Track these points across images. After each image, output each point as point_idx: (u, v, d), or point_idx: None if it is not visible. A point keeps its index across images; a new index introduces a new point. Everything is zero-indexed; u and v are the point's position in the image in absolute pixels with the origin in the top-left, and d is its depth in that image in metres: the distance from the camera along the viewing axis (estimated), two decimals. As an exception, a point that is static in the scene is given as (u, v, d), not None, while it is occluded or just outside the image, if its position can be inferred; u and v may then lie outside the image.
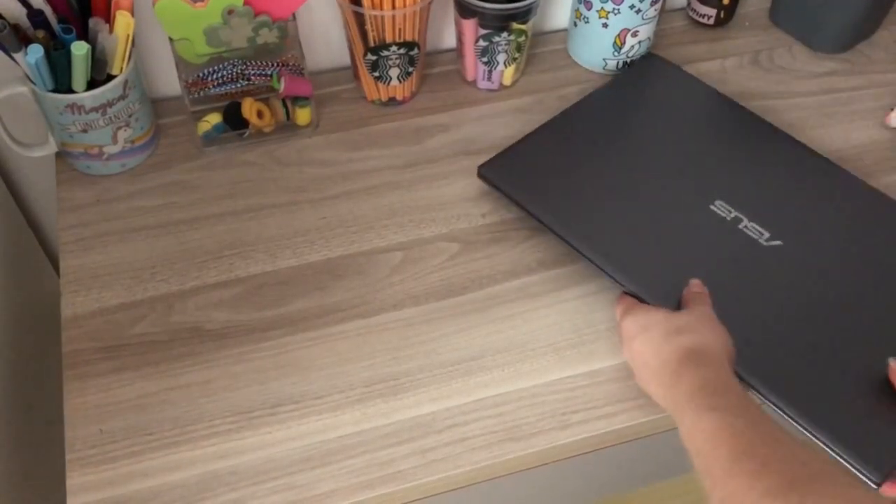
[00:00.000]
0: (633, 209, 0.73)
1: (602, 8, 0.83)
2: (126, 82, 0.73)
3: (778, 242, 0.70)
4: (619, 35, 0.85)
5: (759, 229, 0.71)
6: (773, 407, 0.61)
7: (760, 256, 0.69)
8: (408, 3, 0.75)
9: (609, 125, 0.80)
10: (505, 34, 0.81)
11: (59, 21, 0.70)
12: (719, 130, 0.80)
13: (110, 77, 0.72)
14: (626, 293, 0.67)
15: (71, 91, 0.71)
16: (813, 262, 0.70)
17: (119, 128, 0.75)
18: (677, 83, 0.85)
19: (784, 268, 0.69)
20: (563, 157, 0.76)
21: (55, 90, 0.71)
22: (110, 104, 0.73)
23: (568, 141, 0.78)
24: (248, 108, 0.78)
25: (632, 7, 0.82)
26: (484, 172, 0.75)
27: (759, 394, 0.62)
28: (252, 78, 0.79)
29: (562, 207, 0.72)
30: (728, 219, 0.71)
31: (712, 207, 0.72)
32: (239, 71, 0.78)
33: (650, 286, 0.67)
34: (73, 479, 0.60)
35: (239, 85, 0.79)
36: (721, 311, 0.62)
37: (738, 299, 0.66)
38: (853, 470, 0.58)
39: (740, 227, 0.71)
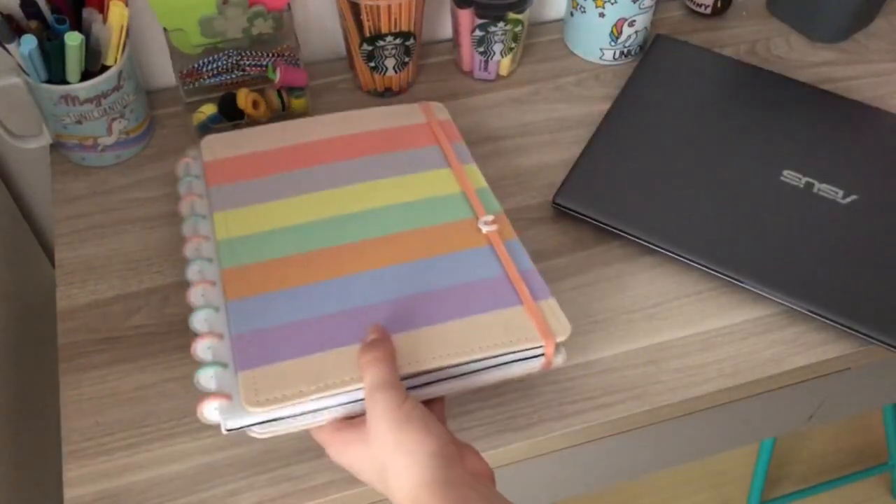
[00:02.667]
0: (709, 198, 0.73)
1: (599, -3, 0.83)
2: (120, 73, 0.73)
3: (854, 197, 0.72)
4: (615, 25, 0.84)
5: (833, 189, 0.73)
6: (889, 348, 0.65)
7: (842, 215, 0.71)
8: (403, -8, 0.75)
9: (655, 118, 0.80)
10: (501, 24, 0.81)
11: (53, 11, 0.69)
12: (759, 99, 0.81)
13: (105, 68, 0.72)
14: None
15: (65, 82, 0.70)
16: (891, 205, 0.72)
17: (114, 119, 0.75)
18: (700, 60, 0.85)
19: (868, 219, 0.71)
20: (626, 164, 0.76)
21: (49, 81, 0.70)
22: (105, 95, 0.72)
23: (623, 146, 0.77)
24: (244, 99, 0.77)
25: (629, -4, 0.82)
26: (562, 202, 0.73)
27: (874, 339, 0.65)
28: (247, 68, 0.78)
29: (647, 217, 0.72)
30: (801, 186, 0.73)
31: (783, 178, 0.74)
32: (234, 61, 0.78)
33: (749, 271, 0.68)
34: (70, 472, 0.60)
35: (234, 75, 0.78)
36: (818, 276, 0.67)
37: (834, 260, 0.69)
38: None
39: (814, 191, 0.73)
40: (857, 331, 0.66)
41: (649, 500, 1.41)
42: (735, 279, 0.68)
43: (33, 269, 0.95)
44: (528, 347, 0.57)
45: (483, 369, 0.57)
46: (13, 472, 0.82)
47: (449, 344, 0.56)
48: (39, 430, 0.89)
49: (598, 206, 0.73)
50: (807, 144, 0.77)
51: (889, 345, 0.65)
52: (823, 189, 0.73)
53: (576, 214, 0.73)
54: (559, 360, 0.59)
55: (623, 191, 0.74)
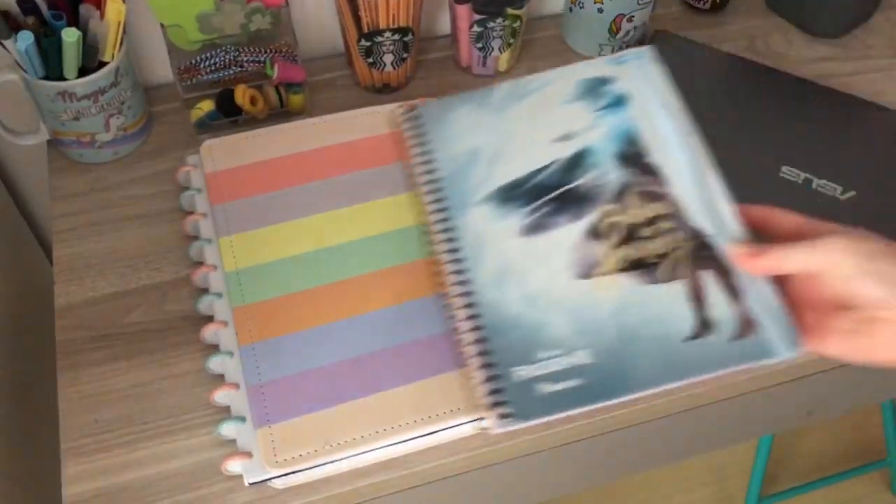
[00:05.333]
0: None
1: (597, -7, 0.83)
2: (118, 69, 0.72)
3: (853, 193, 0.72)
4: (614, 20, 0.84)
5: (832, 185, 0.73)
6: None
7: (841, 210, 0.71)
8: (402, -12, 0.75)
9: None
10: (500, 19, 0.80)
11: (50, 7, 0.69)
12: (757, 95, 0.81)
13: (102, 64, 0.72)
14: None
15: (62, 78, 0.70)
16: (890, 201, 0.72)
17: (111, 115, 0.74)
18: (699, 56, 0.85)
19: (866, 215, 0.71)
20: None
21: (46, 77, 0.70)
22: (102, 91, 0.72)
23: None
24: (242, 95, 0.77)
25: (627, -8, 0.82)
26: None
27: None
28: (245, 65, 0.78)
29: None
30: (799, 182, 0.73)
31: (781, 174, 0.74)
32: (232, 58, 0.77)
33: None
34: (69, 469, 0.60)
35: (232, 72, 0.78)
36: None
37: None
38: None
39: (813, 187, 0.73)
40: None
41: (648, 496, 1.41)
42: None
43: (31, 266, 0.94)
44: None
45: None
46: (12, 470, 0.82)
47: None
48: (37, 428, 0.89)
49: None
50: (805, 140, 0.77)
51: None
52: (822, 185, 0.73)
53: None
54: None
55: None
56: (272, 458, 0.57)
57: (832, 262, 0.47)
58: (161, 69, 0.83)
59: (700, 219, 0.55)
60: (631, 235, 0.56)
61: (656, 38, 0.87)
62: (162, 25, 0.74)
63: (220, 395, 0.62)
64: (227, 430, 0.60)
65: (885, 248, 0.47)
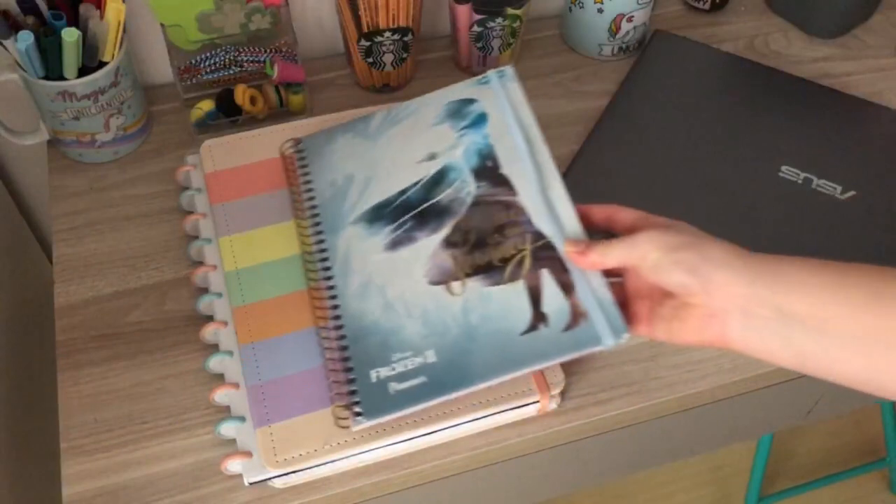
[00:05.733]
0: (708, 193, 0.73)
1: (597, -7, 0.83)
2: (118, 69, 0.72)
3: (853, 192, 0.72)
4: (614, 20, 0.84)
5: (832, 184, 0.73)
6: None
7: (841, 210, 0.71)
8: (401, -12, 0.75)
9: (653, 114, 0.79)
10: (499, 19, 0.80)
11: (50, 7, 0.69)
12: (757, 95, 0.81)
13: (102, 64, 0.72)
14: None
15: (62, 78, 0.70)
16: (890, 201, 0.72)
17: (111, 115, 0.74)
18: (699, 56, 0.85)
19: (867, 214, 0.71)
20: (624, 160, 0.75)
21: (46, 77, 0.70)
22: (102, 91, 0.72)
23: (622, 142, 0.77)
24: (241, 95, 0.77)
25: (627, -8, 0.82)
26: None
27: None
28: (245, 64, 0.78)
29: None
30: (799, 181, 0.73)
31: (781, 174, 0.74)
32: (232, 57, 0.77)
33: None
34: (68, 468, 0.60)
35: (232, 71, 0.78)
36: None
37: (832, 256, 0.68)
38: None
39: (813, 186, 0.73)
40: None
41: (648, 495, 1.41)
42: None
43: (31, 265, 0.94)
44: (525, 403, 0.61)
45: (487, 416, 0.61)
46: (12, 469, 0.82)
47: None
48: (37, 427, 0.89)
49: (597, 202, 0.73)
50: (805, 140, 0.77)
51: None
52: (822, 185, 0.73)
53: None
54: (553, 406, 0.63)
55: (622, 187, 0.73)
56: (272, 458, 0.57)
57: (641, 255, 0.50)
58: (161, 69, 0.83)
59: (543, 223, 0.59)
60: (481, 242, 0.60)
61: (656, 37, 0.87)
62: (162, 25, 0.74)
63: (220, 395, 0.62)
64: (227, 429, 0.60)
65: (690, 239, 0.49)
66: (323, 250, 0.64)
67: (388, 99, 0.83)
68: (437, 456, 0.61)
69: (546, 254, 0.57)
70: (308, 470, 0.58)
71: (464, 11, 0.81)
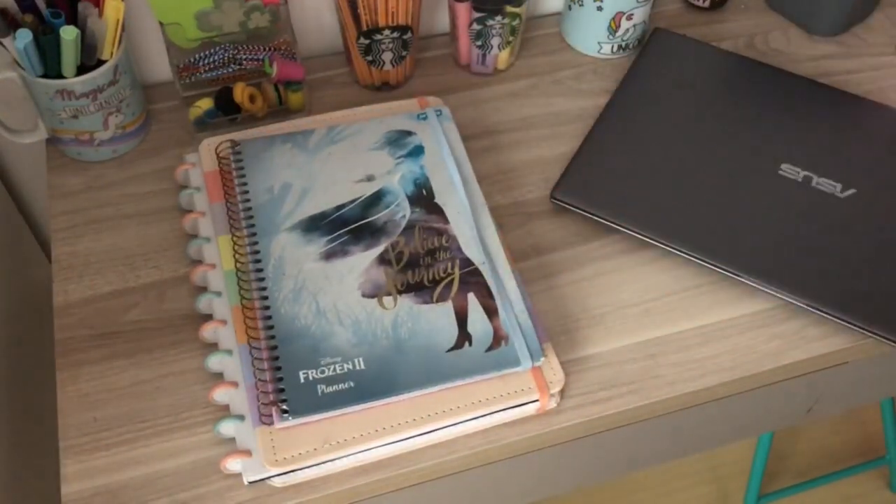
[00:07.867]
0: (708, 192, 0.73)
1: (597, -9, 0.83)
2: (116, 67, 0.72)
3: (853, 191, 0.72)
4: (613, 18, 0.84)
5: (832, 183, 0.73)
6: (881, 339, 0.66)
7: (841, 208, 0.71)
8: (401, -14, 0.75)
9: (653, 112, 0.79)
10: (499, 17, 0.80)
11: (48, 5, 0.69)
12: (757, 93, 0.81)
13: (100, 62, 0.71)
14: None
15: (61, 76, 0.70)
16: (890, 199, 0.72)
17: (110, 113, 0.74)
18: (699, 54, 0.85)
19: (866, 213, 0.71)
20: (624, 159, 0.75)
21: (44, 75, 0.70)
22: (101, 90, 0.72)
23: (621, 140, 0.77)
24: (240, 93, 0.77)
25: (627, -10, 0.82)
26: (560, 197, 0.73)
27: (872, 333, 0.66)
28: (244, 62, 0.78)
29: (645, 212, 0.72)
30: (799, 180, 0.73)
31: (781, 172, 0.74)
32: (230, 55, 0.77)
33: (748, 266, 0.68)
34: (68, 467, 0.60)
35: (231, 70, 0.78)
36: (816, 270, 0.68)
37: (832, 254, 0.69)
38: None
39: (813, 184, 0.73)
40: (855, 325, 0.66)
41: (648, 493, 1.41)
42: (733, 273, 0.68)
43: (30, 264, 0.94)
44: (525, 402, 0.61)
45: (486, 415, 0.62)
46: (11, 468, 0.82)
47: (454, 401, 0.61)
48: (36, 426, 0.89)
49: (597, 200, 0.73)
50: (805, 138, 0.77)
51: (887, 339, 0.65)
52: (822, 183, 0.73)
53: (574, 209, 0.73)
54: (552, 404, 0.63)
55: (622, 185, 0.73)
56: (271, 457, 0.57)
57: None
58: (160, 67, 0.83)
59: (472, 251, 0.66)
60: (413, 263, 0.65)
61: (655, 36, 0.86)
62: (161, 23, 0.74)
63: (219, 394, 0.62)
64: (226, 428, 0.60)
65: None
66: (256, 251, 0.66)
67: (387, 97, 0.83)
68: (436, 455, 0.61)
69: (473, 279, 0.64)
70: (308, 469, 0.58)
71: (463, 9, 0.81)
